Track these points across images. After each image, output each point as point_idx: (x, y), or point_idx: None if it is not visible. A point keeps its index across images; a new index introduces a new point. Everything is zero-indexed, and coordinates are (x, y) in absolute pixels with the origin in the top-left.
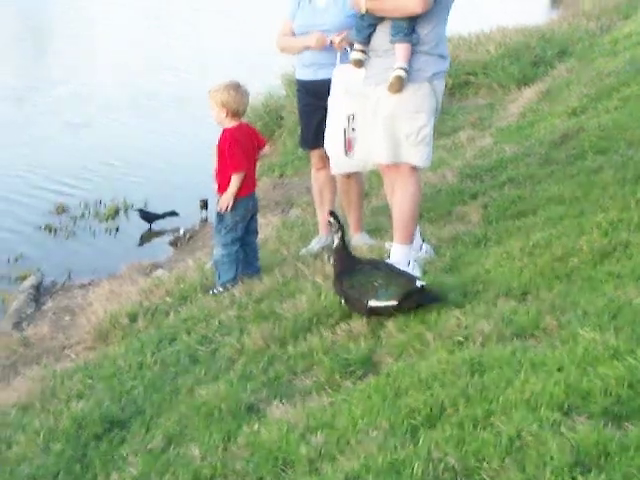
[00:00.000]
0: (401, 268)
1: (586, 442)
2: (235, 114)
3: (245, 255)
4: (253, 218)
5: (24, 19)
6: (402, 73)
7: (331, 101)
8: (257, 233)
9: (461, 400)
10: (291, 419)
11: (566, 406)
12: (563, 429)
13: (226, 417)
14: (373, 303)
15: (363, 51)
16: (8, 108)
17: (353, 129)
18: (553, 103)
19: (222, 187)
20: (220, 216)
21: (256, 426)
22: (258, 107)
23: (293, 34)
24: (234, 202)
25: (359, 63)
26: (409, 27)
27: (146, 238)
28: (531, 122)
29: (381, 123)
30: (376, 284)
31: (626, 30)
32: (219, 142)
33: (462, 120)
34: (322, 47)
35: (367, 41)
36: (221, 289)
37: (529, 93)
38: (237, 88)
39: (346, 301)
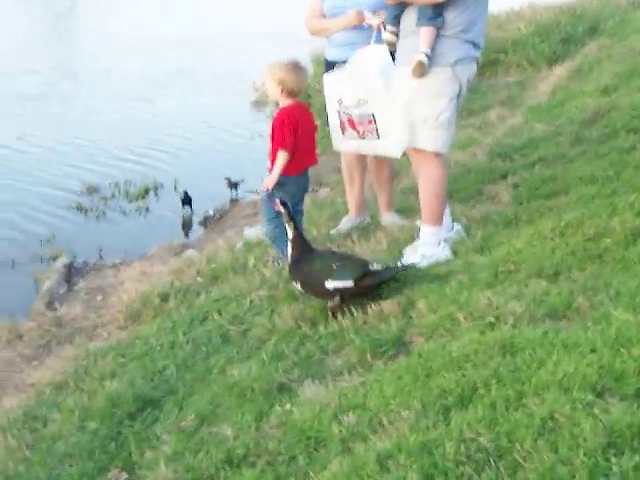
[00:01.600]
0: (431, 248)
1: (619, 423)
2: (291, 93)
3: None
4: (302, 199)
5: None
6: (424, 58)
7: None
8: (303, 214)
9: (493, 381)
10: (323, 399)
11: (599, 387)
12: (596, 410)
13: (258, 397)
14: (329, 284)
15: (394, 32)
16: (42, 83)
17: (344, 112)
18: (584, 81)
19: (273, 165)
20: (269, 194)
21: (288, 406)
22: None
23: (323, 16)
24: (284, 180)
25: (391, 44)
26: (434, 11)
27: (186, 219)
28: (562, 101)
29: (401, 106)
30: (333, 266)
31: None
32: (273, 120)
33: (492, 98)
34: (360, 24)
35: (397, 22)
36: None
37: (560, 71)
38: (295, 67)
39: (303, 285)
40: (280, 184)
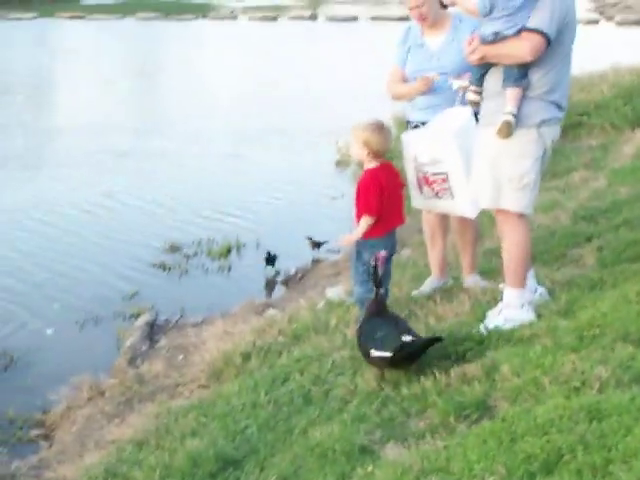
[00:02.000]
0: (515, 310)
1: None
2: (376, 155)
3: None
4: (389, 260)
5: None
6: (511, 118)
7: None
8: (390, 276)
9: (579, 447)
10: (405, 462)
11: None
12: None
13: (340, 458)
14: (374, 353)
15: (478, 92)
16: (130, 140)
17: (420, 169)
18: None
19: None
20: (358, 253)
21: (370, 468)
22: None
23: (405, 80)
24: (372, 242)
25: (475, 104)
26: (520, 72)
27: (268, 279)
28: None
29: (487, 164)
30: (377, 335)
31: None
32: (358, 183)
33: (575, 161)
34: (429, 88)
35: (480, 82)
36: None
37: None
38: (380, 128)
39: (359, 349)
40: (369, 246)
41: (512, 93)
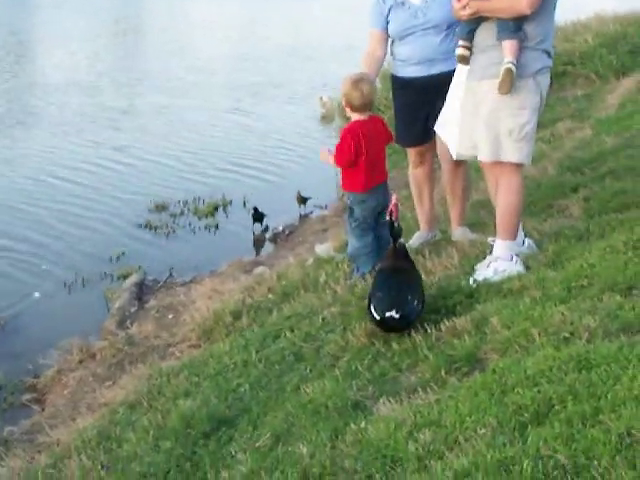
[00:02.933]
0: (504, 262)
1: None
2: (357, 108)
3: (378, 247)
4: (383, 212)
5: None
6: (512, 67)
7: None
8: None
9: (569, 397)
10: (398, 416)
11: None
12: None
13: (333, 415)
14: (371, 309)
15: (467, 47)
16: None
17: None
18: None
19: (345, 182)
20: (350, 209)
21: (363, 423)
22: None
23: (385, 40)
24: (361, 197)
25: (464, 59)
26: (516, 24)
27: (256, 236)
28: (631, 113)
29: (484, 119)
30: (378, 295)
31: None
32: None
33: (560, 111)
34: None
35: (471, 37)
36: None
37: (628, 83)
38: (358, 82)
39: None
40: (358, 201)
41: (511, 44)
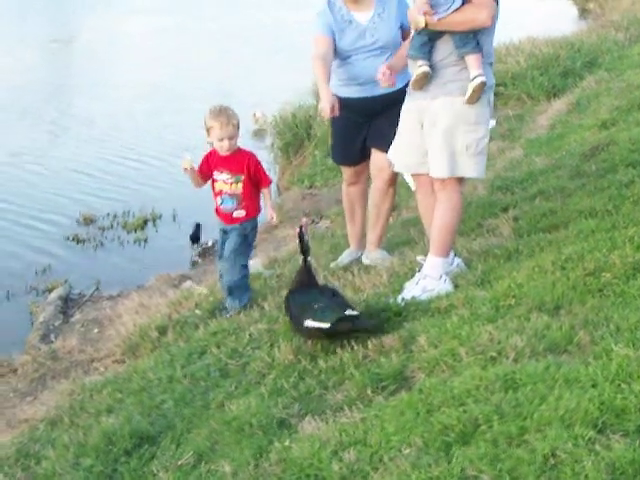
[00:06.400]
0: (433, 281)
1: (621, 460)
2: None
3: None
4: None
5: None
6: (484, 79)
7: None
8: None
9: (495, 417)
10: (323, 435)
11: (600, 423)
12: (598, 447)
13: (257, 432)
14: (309, 323)
15: (426, 65)
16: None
17: None
18: (583, 115)
19: (254, 207)
20: (245, 237)
21: (287, 442)
22: (287, 117)
23: (333, 48)
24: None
25: (427, 75)
26: (474, 38)
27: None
28: (561, 134)
29: (440, 136)
30: (315, 306)
31: None
32: None
33: (492, 131)
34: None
35: (429, 56)
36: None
37: (558, 105)
38: (215, 116)
39: (290, 318)
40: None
41: (474, 58)
